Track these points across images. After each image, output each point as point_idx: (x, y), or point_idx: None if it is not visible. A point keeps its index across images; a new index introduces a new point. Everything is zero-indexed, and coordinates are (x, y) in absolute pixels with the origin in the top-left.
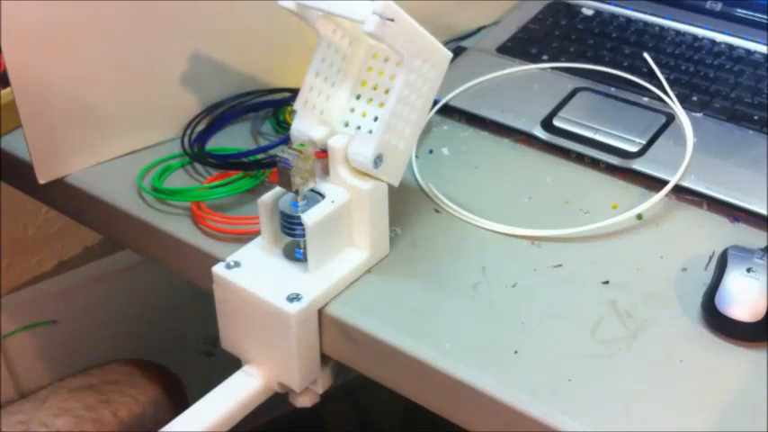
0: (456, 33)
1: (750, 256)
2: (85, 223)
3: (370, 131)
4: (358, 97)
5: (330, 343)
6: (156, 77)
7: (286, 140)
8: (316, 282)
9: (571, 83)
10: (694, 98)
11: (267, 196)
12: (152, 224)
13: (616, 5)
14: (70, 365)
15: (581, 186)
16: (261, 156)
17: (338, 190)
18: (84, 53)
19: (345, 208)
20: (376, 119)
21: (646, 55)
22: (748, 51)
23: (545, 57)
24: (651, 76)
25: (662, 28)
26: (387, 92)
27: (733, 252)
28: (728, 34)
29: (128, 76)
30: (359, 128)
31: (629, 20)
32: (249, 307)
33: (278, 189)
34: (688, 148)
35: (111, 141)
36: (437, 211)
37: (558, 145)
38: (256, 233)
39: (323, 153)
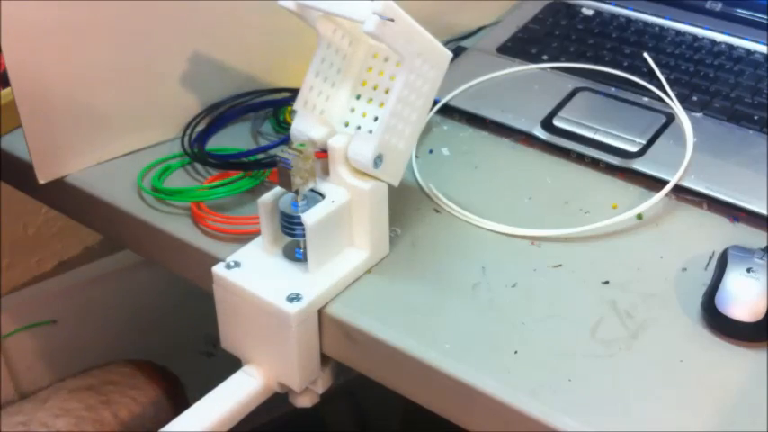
0: (456, 33)
1: (750, 256)
2: (85, 223)
3: (370, 131)
4: (358, 97)
5: (330, 343)
6: (156, 77)
7: (286, 140)
8: (316, 282)
9: (571, 83)
10: (694, 98)
11: (267, 196)
12: (152, 224)
13: (616, 5)
14: (70, 365)
15: (581, 186)
16: (261, 156)
17: (338, 190)
18: (84, 53)
19: (345, 208)
20: (376, 119)
21: (646, 55)
22: (748, 51)
23: (545, 57)
24: (651, 76)
25: (662, 28)
26: (387, 92)
27: (733, 252)
28: (728, 34)
29: (128, 76)
30: (359, 128)
31: (629, 20)
32: (249, 307)
33: (278, 189)
34: (688, 148)
35: (111, 141)
36: (437, 211)
37: (558, 145)
38: (256, 233)
39: (323, 153)
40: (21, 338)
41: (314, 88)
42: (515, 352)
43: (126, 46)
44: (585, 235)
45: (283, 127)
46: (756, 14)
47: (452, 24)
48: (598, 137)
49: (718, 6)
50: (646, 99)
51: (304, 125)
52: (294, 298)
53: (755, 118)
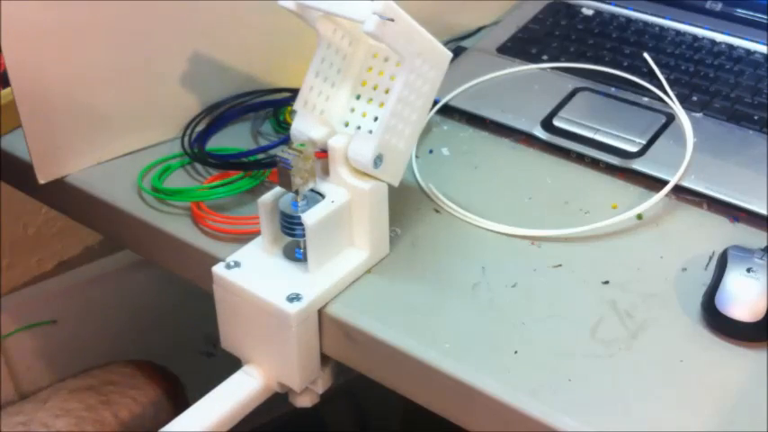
0: (456, 33)
1: (750, 256)
2: (85, 223)
3: (370, 131)
4: (358, 97)
5: (330, 343)
6: (156, 77)
7: (286, 140)
8: (316, 282)
9: (571, 83)
10: (694, 98)
11: (267, 196)
12: (152, 224)
13: (616, 5)
14: (70, 366)
15: (581, 186)
16: (261, 156)
17: (338, 190)
18: (85, 53)
19: (345, 208)
20: (376, 119)
21: (646, 55)
22: (748, 51)
23: (545, 57)
24: (651, 76)
25: (662, 28)
26: (387, 92)
27: (733, 252)
28: (728, 34)
29: (128, 76)
30: (359, 128)
31: (629, 20)
32: (249, 307)
33: (278, 189)
34: (688, 148)
35: (111, 141)
36: (437, 211)
37: (558, 145)
38: (256, 233)
39: (323, 153)
40: (21, 338)
41: (314, 88)
42: (515, 352)
43: (126, 46)
44: (585, 235)
45: (283, 127)
46: (756, 14)
47: (452, 24)
48: (598, 137)
49: (718, 6)
50: (646, 99)
51: (304, 125)
52: (294, 298)
53: (755, 118)
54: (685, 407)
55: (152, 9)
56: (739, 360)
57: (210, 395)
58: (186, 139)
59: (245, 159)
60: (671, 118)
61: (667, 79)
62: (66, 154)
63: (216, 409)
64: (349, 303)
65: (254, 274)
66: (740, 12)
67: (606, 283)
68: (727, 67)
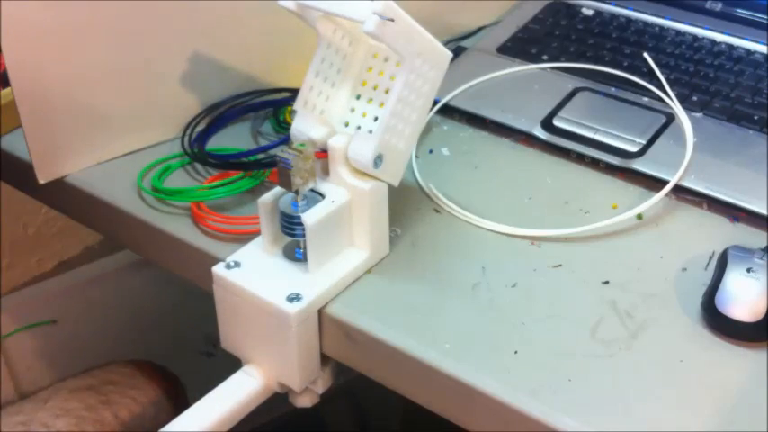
0: (456, 33)
1: (750, 256)
2: (85, 223)
3: (370, 131)
4: (358, 97)
5: (330, 343)
6: (156, 77)
7: (286, 140)
8: (316, 282)
9: (571, 83)
10: (694, 98)
11: (267, 196)
12: (152, 224)
13: (616, 5)
14: (70, 366)
15: (581, 186)
16: (261, 156)
17: (338, 190)
18: (85, 53)
19: (345, 208)
20: (376, 119)
21: (646, 55)
22: (748, 51)
23: (545, 57)
24: (651, 76)
25: (662, 28)
26: (387, 92)
27: (733, 252)
28: (728, 34)
29: (128, 76)
30: (359, 128)
31: (629, 20)
32: (249, 307)
33: (278, 189)
34: (688, 148)
35: (111, 141)
36: (437, 211)
37: (558, 145)
38: (256, 233)
39: (323, 153)
40: (21, 338)
41: (314, 88)
42: (515, 352)
43: (126, 46)
44: (585, 235)
45: (283, 127)
46: (756, 14)
47: (452, 24)
48: (598, 137)
49: (718, 6)
50: (646, 99)
51: (304, 125)
52: (294, 298)
53: (755, 118)
54: (685, 407)
55: (152, 9)
56: (739, 360)
57: (210, 395)
58: (186, 139)
59: (245, 159)
60: (671, 118)
61: (667, 79)
62: (66, 154)
63: (216, 409)
64: (349, 303)
65: (254, 274)
66: (740, 12)
67: (606, 283)
68: (727, 67)
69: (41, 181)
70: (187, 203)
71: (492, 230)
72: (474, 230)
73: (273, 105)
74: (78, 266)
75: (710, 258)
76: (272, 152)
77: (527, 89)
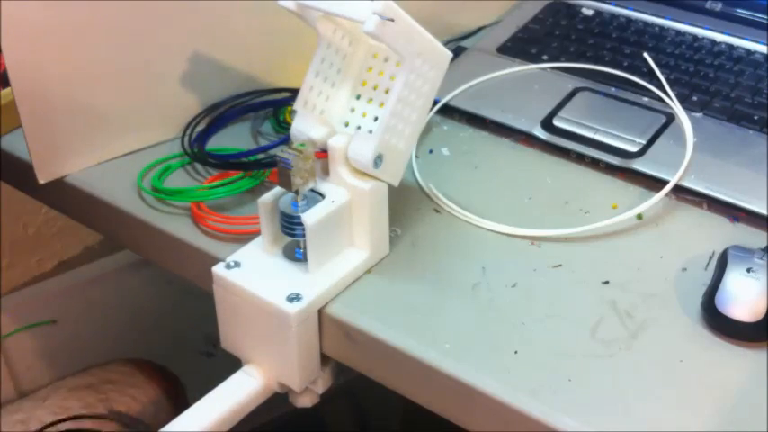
0: (456, 33)
1: (750, 256)
2: (85, 223)
3: (370, 131)
4: (358, 97)
5: (330, 343)
6: (156, 77)
7: (286, 140)
8: (316, 282)
9: (571, 83)
10: (694, 98)
11: (267, 196)
12: (152, 224)
13: (616, 5)
14: (70, 365)
15: (581, 186)
16: (261, 156)
17: (338, 190)
18: (84, 53)
19: (345, 208)
20: (376, 119)
21: (646, 55)
22: (748, 51)
23: (545, 57)
24: (651, 76)
25: (662, 28)
26: (387, 92)
27: (733, 252)
28: (728, 34)
29: (128, 76)
30: (359, 128)
31: (629, 20)
32: (249, 307)
33: (278, 189)
34: (688, 148)
35: (111, 141)
36: (437, 211)
37: (558, 145)
38: (256, 233)
39: (323, 153)
40: (21, 338)
41: (314, 88)
42: (515, 352)
43: (126, 46)
44: (585, 235)
45: (283, 127)
46: (756, 14)
47: (452, 24)
48: (598, 137)
49: (718, 6)
50: (646, 99)
51: (304, 125)
52: (294, 298)
53: (755, 118)
54: (685, 407)
55: (152, 9)
56: (739, 360)
57: (210, 395)
58: (186, 139)
59: (245, 159)
60: (671, 118)
61: (667, 79)
62: (66, 154)
63: (216, 409)
64: (349, 303)
65: (254, 274)
66: (740, 12)
67: (606, 283)
68: (727, 67)
69: (41, 181)
70: (187, 203)
71: (492, 230)
72: (474, 230)
73: (273, 105)
74: (78, 266)
75: (710, 258)
76: (272, 152)
77: (527, 89)
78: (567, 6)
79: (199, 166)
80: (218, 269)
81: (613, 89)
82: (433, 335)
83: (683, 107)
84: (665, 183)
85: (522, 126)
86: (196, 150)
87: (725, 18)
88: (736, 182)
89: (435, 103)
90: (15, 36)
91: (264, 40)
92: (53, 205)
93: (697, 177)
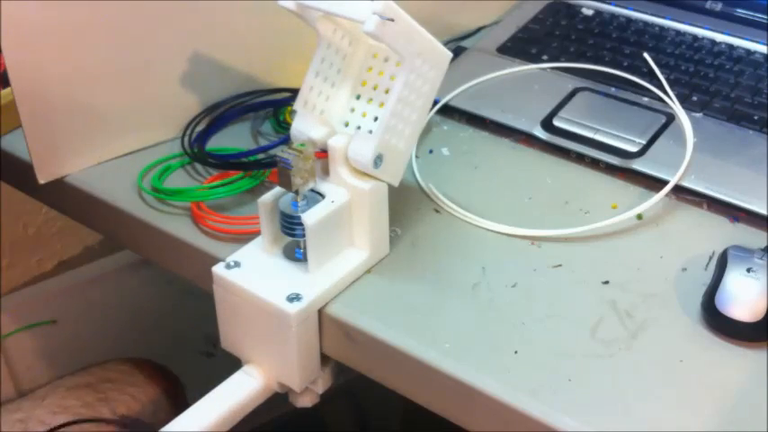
0: (456, 33)
1: (750, 256)
2: (85, 223)
3: (370, 131)
4: (358, 97)
5: (330, 343)
6: (156, 77)
7: (286, 140)
8: (316, 282)
9: (571, 83)
10: (694, 98)
11: (267, 196)
12: (152, 224)
13: (616, 5)
14: (70, 365)
15: (581, 186)
16: (261, 156)
17: (338, 190)
18: (84, 53)
19: (345, 208)
20: (376, 119)
21: (646, 55)
22: (748, 51)
23: (545, 57)
24: (651, 76)
25: (662, 28)
26: (387, 92)
27: (733, 252)
28: (728, 34)
29: (128, 76)
30: (359, 128)
31: (629, 20)
32: (249, 307)
33: (278, 189)
34: (688, 148)
35: (111, 141)
36: (437, 211)
37: (558, 145)
38: (256, 233)
39: (323, 153)
40: (21, 338)
41: (314, 88)
42: (515, 352)
43: (126, 46)
44: (585, 235)
45: (283, 127)
46: (756, 14)
47: (452, 24)
48: (598, 137)
49: (718, 6)
50: (646, 99)
51: (304, 125)
52: (294, 298)
53: (755, 118)
54: (685, 407)
55: (152, 9)
56: (739, 360)
57: (210, 395)
58: (186, 139)
59: (245, 159)
60: (671, 118)
61: (667, 79)
62: (66, 154)
63: (216, 409)
64: (349, 303)
65: (254, 274)
66: (740, 12)
67: (606, 283)
68: (727, 67)
69: (41, 181)
70: (187, 203)
71: (492, 230)
72: (474, 230)
73: (273, 105)
74: (78, 266)
75: (710, 258)
76: (272, 152)
77: (527, 89)
78: (567, 6)
79: (199, 166)
80: (218, 269)
81: (613, 89)
82: (433, 335)
83: (683, 107)
84: (665, 183)
85: (522, 126)
86: (196, 150)
87: (725, 18)
88: (736, 182)
89: (435, 103)
90: (15, 36)
91: (264, 40)
92: (53, 205)
93: (697, 177)
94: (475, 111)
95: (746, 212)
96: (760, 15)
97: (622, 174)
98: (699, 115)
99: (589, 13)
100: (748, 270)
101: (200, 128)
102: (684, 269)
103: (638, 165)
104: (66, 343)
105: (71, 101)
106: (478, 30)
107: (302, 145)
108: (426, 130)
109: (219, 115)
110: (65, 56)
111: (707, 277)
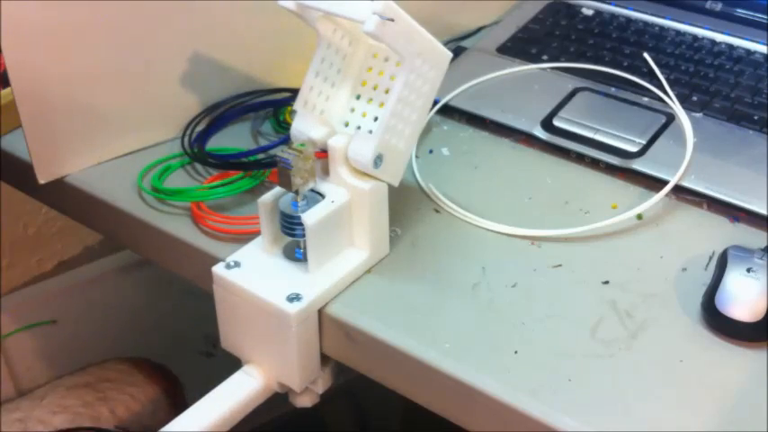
0: (456, 33)
1: (750, 256)
2: (85, 223)
3: (370, 131)
4: (358, 97)
5: (330, 343)
6: (156, 77)
7: (286, 140)
8: (316, 282)
9: (571, 83)
10: (694, 98)
11: (267, 196)
12: (152, 224)
13: (616, 5)
14: (70, 365)
15: (581, 186)
16: (261, 156)
17: (338, 190)
18: (84, 53)
19: (345, 208)
20: (376, 119)
21: (646, 55)
22: (748, 51)
23: (545, 57)
24: (651, 76)
25: (662, 28)
26: (387, 92)
27: (733, 252)
28: (728, 34)
29: (128, 76)
30: (359, 128)
31: (629, 20)
32: (249, 307)
33: (278, 189)
34: (688, 148)
35: (111, 141)
36: (437, 211)
37: (558, 145)
38: (256, 233)
39: (323, 153)
40: (21, 338)
41: (314, 88)
42: (515, 352)
43: (126, 46)
44: (585, 235)
45: (283, 127)
46: (756, 14)
47: (452, 24)
48: (598, 137)
49: (718, 6)
50: (646, 99)
51: (304, 125)
52: (294, 298)
53: (755, 118)
54: (685, 407)
55: (152, 9)
56: (739, 360)
57: (210, 395)
58: (186, 139)
59: (245, 159)
60: (671, 118)
61: (667, 79)
62: (66, 154)
63: (216, 409)
64: (349, 303)
65: (254, 274)
66: (740, 12)
67: (606, 283)
68: (727, 67)
69: (41, 181)
70: (187, 203)
71: (492, 230)
72: (474, 230)
73: (273, 105)
74: (78, 266)
75: (710, 258)
76: (272, 152)
77: (527, 89)
78: (567, 6)
79: (199, 166)
80: (218, 269)
81: (613, 89)
82: (433, 335)
83: (683, 107)
84: (665, 183)
85: (522, 126)
86: (196, 150)
87: (725, 18)
88: (736, 182)
89: (435, 103)
90: (15, 36)
91: (264, 40)
92: (53, 205)
93: (697, 177)
94: (475, 111)
95: (746, 212)
96: (760, 15)
97: (622, 174)
98: (699, 115)
99: (589, 13)
100: (748, 270)
101: (200, 128)
102: (684, 269)
103: (638, 165)
104: (65, 343)
105: (71, 101)
106: (478, 30)
107: (302, 145)
108: (426, 130)
109: (219, 115)
110: (65, 56)
111: (707, 277)
